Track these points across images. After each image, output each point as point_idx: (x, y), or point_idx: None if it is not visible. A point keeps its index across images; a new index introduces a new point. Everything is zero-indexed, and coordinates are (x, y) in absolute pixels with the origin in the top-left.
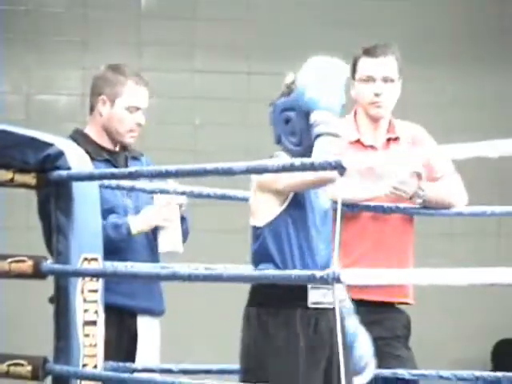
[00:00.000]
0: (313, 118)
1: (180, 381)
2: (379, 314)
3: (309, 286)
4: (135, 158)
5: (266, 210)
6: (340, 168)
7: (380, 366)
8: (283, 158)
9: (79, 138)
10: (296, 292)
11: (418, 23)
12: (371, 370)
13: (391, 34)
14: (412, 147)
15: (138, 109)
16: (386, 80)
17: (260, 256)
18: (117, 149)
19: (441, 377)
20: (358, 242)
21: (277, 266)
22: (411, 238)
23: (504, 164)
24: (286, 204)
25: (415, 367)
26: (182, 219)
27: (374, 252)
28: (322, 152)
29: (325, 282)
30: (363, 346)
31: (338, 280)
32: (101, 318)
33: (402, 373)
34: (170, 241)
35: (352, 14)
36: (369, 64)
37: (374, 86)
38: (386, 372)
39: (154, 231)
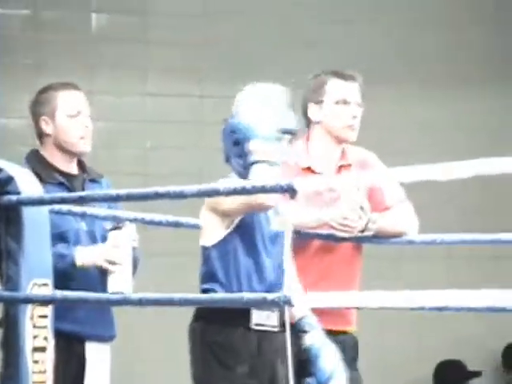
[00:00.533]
0: (247, 147)
1: None
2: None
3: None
4: (94, 181)
5: (213, 230)
6: (291, 191)
7: None
8: (234, 180)
9: (34, 159)
10: (239, 312)
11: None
12: (338, 381)
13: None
14: (361, 172)
15: (78, 112)
16: (358, 104)
17: (207, 276)
18: (74, 171)
19: None
20: (305, 272)
21: (222, 286)
22: (359, 266)
23: (455, 186)
24: (233, 225)
25: None
26: (133, 249)
27: (320, 282)
28: (256, 179)
29: (276, 305)
30: (328, 359)
31: (289, 303)
32: (50, 344)
33: None
34: (117, 282)
35: (310, 34)
36: (343, 87)
37: (351, 109)
38: None
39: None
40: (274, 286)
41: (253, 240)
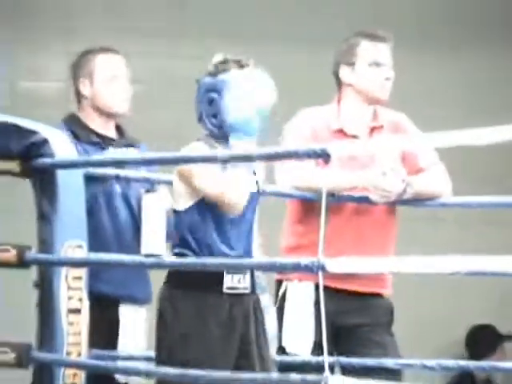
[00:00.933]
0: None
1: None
2: (362, 301)
3: (225, 271)
4: (131, 146)
5: (183, 197)
6: (325, 156)
7: (363, 351)
8: (202, 145)
9: (72, 121)
10: (211, 276)
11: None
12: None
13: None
14: (394, 135)
15: (115, 76)
16: (390, 65)
17: (179, 240)
18: (111, 135)
19: (425, 366)
20: (338, 236)
21: (194, 253)
22: (394, 231)
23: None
24: (201, 194)
25: (397, 353)
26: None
27: (353, 248)
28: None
29: (310, 270)
30: (269, 324)
31: (323, 268)
32: (85, 306)
33: (387, 362)
34: (151, 244)
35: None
36: (375, 49)
37: (383, 70)
38: (371, 362)
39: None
40: (245, 255)
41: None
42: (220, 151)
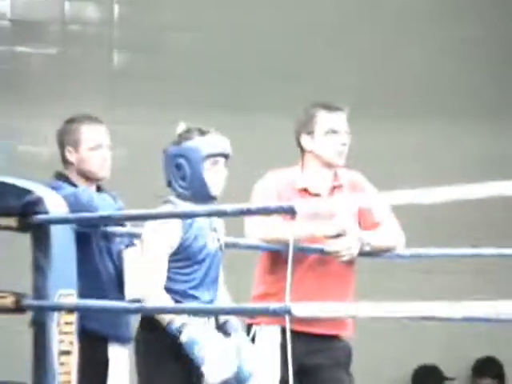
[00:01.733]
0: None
1: None
2: (324, 344)
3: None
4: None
5: None
6: (292, 212)
7: None
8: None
9: (63, 179)
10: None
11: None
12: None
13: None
14: (353, 193)
15: (99, 146)
16: (346, 132)
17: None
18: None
19: None
20: (301, 284)
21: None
22: (352, 279)
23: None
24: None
25: None
26: None
27: (315, 295)
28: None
29: (277, 314)
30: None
31: (289, 312)
32: (75, 348)
33: None
34: (133, 290)
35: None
36: (332, 118)
37: (340, 137)
38: None
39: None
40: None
41: (191, 264)
42: (200, 206)
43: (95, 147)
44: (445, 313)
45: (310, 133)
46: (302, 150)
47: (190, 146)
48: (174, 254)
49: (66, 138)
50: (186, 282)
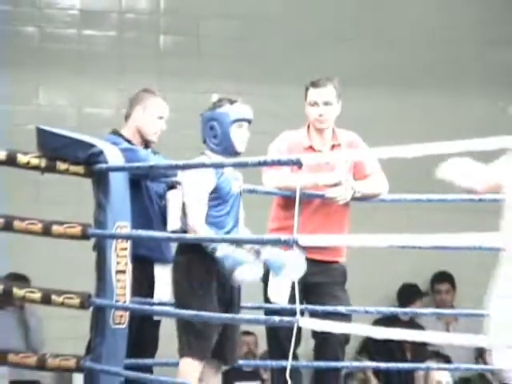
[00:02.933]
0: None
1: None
2: (324, 267)
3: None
4: (155, 153)
5: None
6: (299, 163)
7: (323, 303)
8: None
9: (118, 134)
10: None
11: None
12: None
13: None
14: (348, 150)
15: (161, 117)
16: (326, 104)
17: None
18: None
19: (367, 311)
20: (310, 220)
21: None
22: (347, 217)
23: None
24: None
25: (348, 303)
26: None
27: (320, 229)
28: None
29: (287, 244)
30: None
31: (296, 243)
32: (129, 268)
33: (340, 309)
34: (173, 223)
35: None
36: (314, 93)
37: (318, 109)
38: (329, 308)
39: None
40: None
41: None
42: (226, 159)
43: (159, 117)
44: (416, 243)
45: (307, 103)
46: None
47: (221, 111)
48: (209, 194)
49: (138, 101)
50: (217, 215)
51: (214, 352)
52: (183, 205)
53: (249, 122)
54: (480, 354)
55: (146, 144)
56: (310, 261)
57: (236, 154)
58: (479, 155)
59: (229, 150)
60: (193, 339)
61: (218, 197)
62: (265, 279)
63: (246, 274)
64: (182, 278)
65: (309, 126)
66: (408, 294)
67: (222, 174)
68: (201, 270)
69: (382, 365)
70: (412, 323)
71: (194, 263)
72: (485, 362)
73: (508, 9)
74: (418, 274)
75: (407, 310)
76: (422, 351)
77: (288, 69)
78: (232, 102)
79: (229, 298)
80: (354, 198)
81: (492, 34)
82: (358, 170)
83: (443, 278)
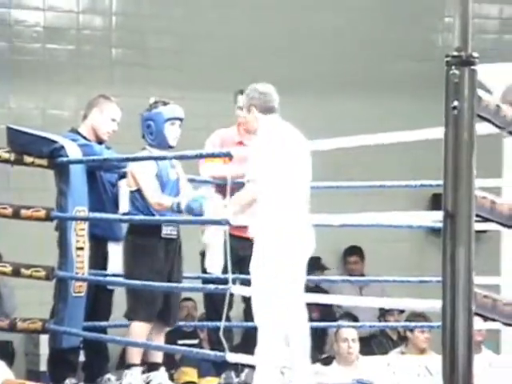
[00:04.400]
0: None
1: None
2: (252, 243)
3: (163, 224)
4: (108, 148)
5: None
6: (229, 155)
7: (248, 271)
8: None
9: (76, 132)
10: (155, 227)
11: None
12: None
13: None
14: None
15: (114, 120)
16: (241, 109)
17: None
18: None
19: None
20: None
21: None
22: None
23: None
24: None
25: None
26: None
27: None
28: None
29: (220, 223)
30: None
31: (228, 223)
32: (86, 245)
33: None
34: (123, 206)
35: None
36: (239, 99)
37: (242, 112)
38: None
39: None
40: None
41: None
42: (167, 153)
43: (112, 120)
44: (328, 221)
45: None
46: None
47: (156, 112)
48: None
49: (95, 104)
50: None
51: (159, 316)
52: (137, 190)
53: (180, 120)
54: (382, 314)
55: (100, 141)
56: (240, 238)
57: (169, 147)
58: None
59: (163, 144)
60: (140, 305)
61: (159, 183)
62: (202, 252)
63: (211, 207)
64: (131, 254)
65: (239, 124)
66: (311, 265)
67: (159, 165)
68: (147, 246)
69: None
70: (319, 289)
71: (142, 240)
72: (386, 321)
73: (411, 24)
74: (332, 248)
75: (324, 278)
76: (329, 312)
77: (219, 78)
78: (165, 104)
79: (171, 269)
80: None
81: (398, 48)
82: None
83: (353, 251)
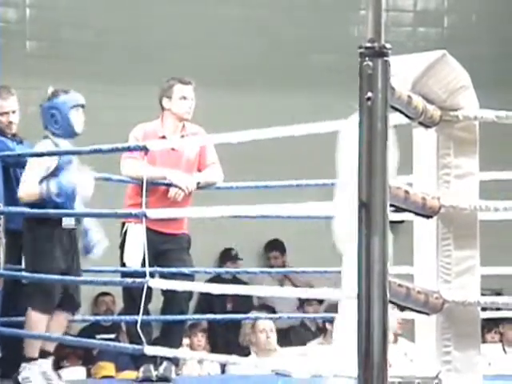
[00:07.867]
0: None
1: None
2: (171, 237)
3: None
4: (22, 141)
5: None
6: (145, 149)
7: (171, 266)
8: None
9: None
10: (57, 219)
11: None
12: (100, 249)
13: None
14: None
15: (14, 112)
16: (192, 99)
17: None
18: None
19: (206, 272)
20: (159, 203)
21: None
22: (189, 202)
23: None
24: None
25: (192, 265)
26: None
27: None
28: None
29: (137, 217)
30: (94, 234)
31: (145, 216)
32: (2, 241)
33: (184, 270)
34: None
35: None
36: (184, 89)
37: (188, 102)
38: (174, 270)
39: None
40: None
41: None
42: (73, 146)
43: (12, 111)
44: (245, 213)
45: (169, 97)
46: (162, 109)
47: (59, 101)
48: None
49: None
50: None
51: (60, 305)
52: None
53: (83, 106)
54: (301, 305)
55: (14, 135)
56: (159, 233)
57: (75, 134)
58: None
59: (69, 131)
60: (38, 297)
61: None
62: (121, 246)
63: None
64: (30, 247)
65: (162, 120)
66: (224, 256)
67: (60, 157)
68: (45, 239)
69: (219, 316)
70: (236, 280)
71: (40, 233)
72: (304, 312)
73: (329, 17)
74: (252, 240)
75: (248, 269)
76: (244, 303)
77: (133, 71)
78: (67, 92)
79: (70, 260)
80: (198, 188)
81: (315, 41)
82: (200, 160)
83: (273, 246)
